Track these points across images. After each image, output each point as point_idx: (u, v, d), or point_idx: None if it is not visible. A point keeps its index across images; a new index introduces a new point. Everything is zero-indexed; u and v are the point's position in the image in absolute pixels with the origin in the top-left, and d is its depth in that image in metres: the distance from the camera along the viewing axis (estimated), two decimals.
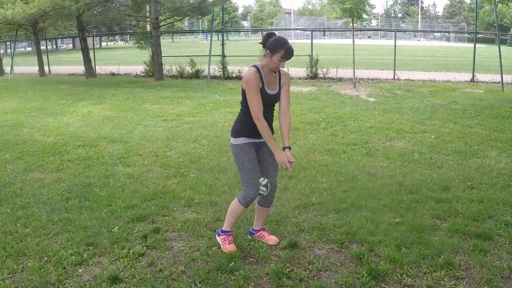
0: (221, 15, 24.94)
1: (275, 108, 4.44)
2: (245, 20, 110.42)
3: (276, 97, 4.39)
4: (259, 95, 4.20)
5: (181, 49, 34.99)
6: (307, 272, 4.11)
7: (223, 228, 4.59)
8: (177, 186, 6.37)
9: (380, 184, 6.37)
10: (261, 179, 4.43)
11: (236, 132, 4.37)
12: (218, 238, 4.59)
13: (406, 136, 9.04)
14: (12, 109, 13.12)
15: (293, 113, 11.35)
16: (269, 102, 4.31)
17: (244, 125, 4.35)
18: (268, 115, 4.34)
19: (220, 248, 4.50)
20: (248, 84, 4.17)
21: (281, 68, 4.30)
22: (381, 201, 5.72)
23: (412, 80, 18.86)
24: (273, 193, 4.58)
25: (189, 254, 4.47)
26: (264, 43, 4.21)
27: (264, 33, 4.35)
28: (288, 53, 4.11)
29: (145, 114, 11.87)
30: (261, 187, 4.38)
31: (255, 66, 4.24)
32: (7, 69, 25.77)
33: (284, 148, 4.37)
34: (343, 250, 4.54)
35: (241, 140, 4.34)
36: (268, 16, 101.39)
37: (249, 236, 4.79)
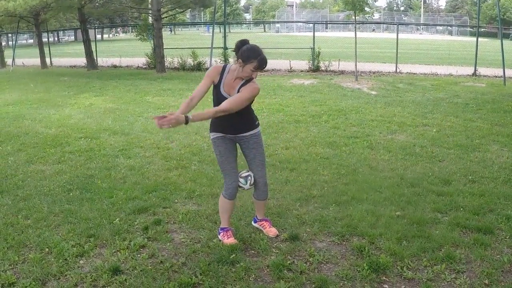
0: (223, 7, 24.88)
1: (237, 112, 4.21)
2: (247, 12, 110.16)
3: None
4: (205, 82, 4.22)
5: (183, 42, 34.94)
6: (307, 265, 4.12)
7: (221, 226, 4.62)
8: (178, 178, 6.37)
9: (381, 177, 6.37)
10: (243, 171, 4.48)
11: (210, 126, 4.46)
12: (219, 236, 4.60)
13: (407, 130, 9.03)
14: (14, 101, 13.12)
15: (294, 106, 11.35)
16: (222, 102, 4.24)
17: (215, 121, 4.40)
18: (226, 116, 4.16)
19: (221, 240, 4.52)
20: (207, 72, 4.25)
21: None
22: (382, 194, 5.72)
23: (414, 73, 18.81)
24: (262, 187, 4.56)
25: (190, 246, 4.47)
26: (237, 50, 4.11)
27: (237, 40, 4.20)
28: (261, 64, 4.02)
29: (147, 106, 11.87)
30: (240, 179, 4.43)
31: (225, 64, 4.25)
32: (8, 61, 25.75)
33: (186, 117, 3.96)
34: (344, 242, 4.54)
35: (213, 135, 4.43)
36: (270, 8, 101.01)
37: (253, 223, 4.83)
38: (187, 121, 3.94)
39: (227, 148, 4.41)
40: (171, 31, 75.16)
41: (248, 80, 4.20)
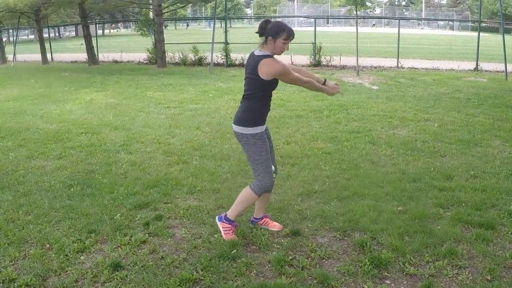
0: (224, 2, 24.83)
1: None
2: (248, 7, 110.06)
3: (276, 83, 4.32)
4: (292, 71, 4.23)
5: (184, 37, 34.90)
6: (309, 260, 4.11)
7: (228, 216, 4.51)
8: (179, 173, 6.36)
9: (383, 172, 6.35)
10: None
11: (252, 121, 4.24)
12: (220, 224, 4.53)
13: (409, 125, 9.01)
14: (15, 97, 13.11)
15: (296, 101, 11.34)
16: (275, 87, 4.28)
17: (258, 114, 4.28)
18: (269, 102, 4.37)
19: (222, 235, 4.49)
20: (283, 71, 4.11)
21: None
22: (384, 189, 5.70)
23: (415, 68, 18.77)
24: (274, 179, 4.57)
25: (191, 241, 4.46)
26: (262, 31, 4.15)
27: (260, 21, 4.28)
28: (290, 33, 4.11)
29: (148, 101, 11.85)
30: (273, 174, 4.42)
31: (268, 55, 4.15)
32: (9, 57, 25.74)
33: (324, 83, 4.49)
34: (346, 238, 4.53)
35: (259, 129, 4.27)
36: (272, 3, 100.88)
37: (250, 225, 4.78)
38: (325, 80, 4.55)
39: (268, 144, 4.39)
40: (187, 25, 75.45)
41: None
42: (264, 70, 4.10)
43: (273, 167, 4.43)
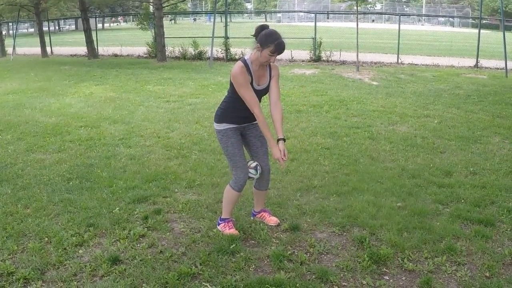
0: None
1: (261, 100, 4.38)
2: (248, 2, 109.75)
3: (264, 91, 4.35)
4: (250, 89, 4.16)
5: (184, 31, 34.82)
6: (308, 255, 4.10)
7: (221, 216, 4.58)
8: (178, 168, 6.35)
9: (382, 168, 6.35)
10: (250, 162, 4.43)
11: (218, 117, 4.36)
12: (218, 227, 4.56)
13: (409, 120, 9.00)
14: (14, 90, 13.08)
15: (295, 96, 11.32)
16: (257, 96, 4.25)
17: (227, 113, 4.33)
18: (242, 106, 4.29)
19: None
20: (235, 79, 4.12)
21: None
22: (383, 185, 5.70)
23: (415, 64, 18.75)
24: (267, 176, 4.55)
25: (190, 235, 4.46)
26: (256, 35, 4.12)
27: (257, 25, 4.24)
28: (278, 48, 4.02)
29: (147, 95, 11.83)
30: (250, 170, 4.37)
31: (243, 60, 4.17)
32: (9, 50, 25.68)
33: (278, 140, 4.29)
34: (345, 233, 4.53)
35: (223, 126, 4.33)
36: None
37: (251, 218, 4.78)
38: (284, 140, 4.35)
39: (239, 139, 4.36)
40: (194, 19, 75.07)
41: (269, 65, 4.27)
42: (232, 70, 4.15)
43: (255, 163, 4.41)
